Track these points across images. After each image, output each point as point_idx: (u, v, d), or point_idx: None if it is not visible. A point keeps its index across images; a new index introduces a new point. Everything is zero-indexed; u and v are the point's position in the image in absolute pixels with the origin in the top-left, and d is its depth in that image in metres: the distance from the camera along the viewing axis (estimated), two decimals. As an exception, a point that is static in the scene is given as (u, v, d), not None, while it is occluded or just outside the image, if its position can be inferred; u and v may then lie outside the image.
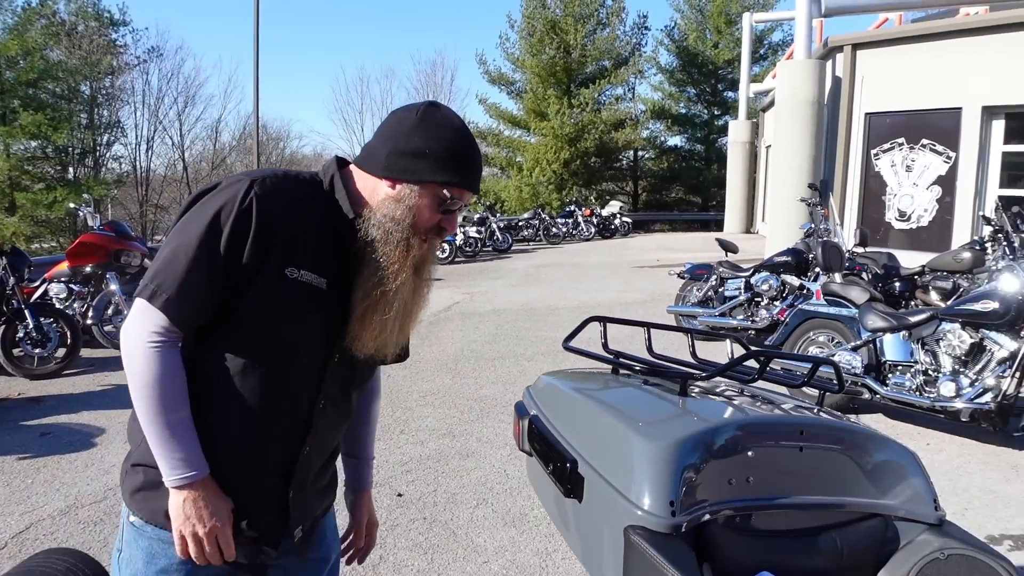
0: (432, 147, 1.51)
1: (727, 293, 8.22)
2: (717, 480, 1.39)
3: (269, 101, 74.04)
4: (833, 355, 5.58)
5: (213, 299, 1.47)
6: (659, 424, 1.47)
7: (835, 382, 1.69)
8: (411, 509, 4.12)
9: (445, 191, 1.52)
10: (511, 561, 3.57)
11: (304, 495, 1.66)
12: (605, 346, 1.89)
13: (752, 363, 1.75)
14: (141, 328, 1.44)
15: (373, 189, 1.56)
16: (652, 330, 1.94)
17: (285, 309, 1.50)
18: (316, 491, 1.71)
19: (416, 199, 1.51)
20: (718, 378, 1.79)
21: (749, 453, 1.42)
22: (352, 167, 1.62)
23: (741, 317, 7.95)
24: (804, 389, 1.93)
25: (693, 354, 2.07)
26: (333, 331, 1.57)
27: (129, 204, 33.02)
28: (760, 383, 1.89)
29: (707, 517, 1.35)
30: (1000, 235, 6.81)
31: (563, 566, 3.50)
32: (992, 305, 4.91)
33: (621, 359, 1.77)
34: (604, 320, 1.93)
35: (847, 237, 8.46)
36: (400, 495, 4.31)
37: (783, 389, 1.90)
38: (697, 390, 1.71)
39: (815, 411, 1.66)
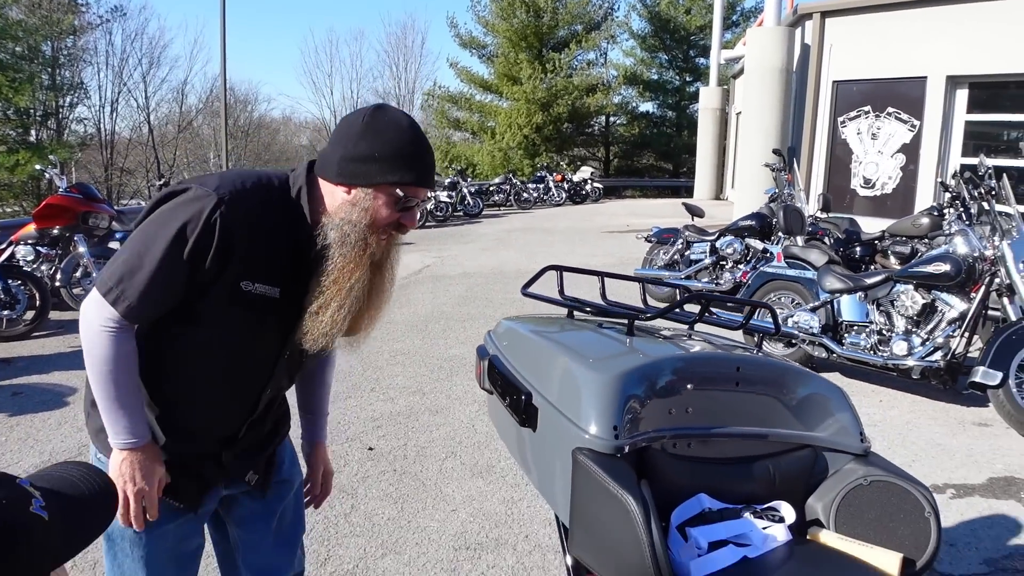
0: (381, 150, 1.56)
1: (692, 256, 8.37)
2: (658, 410, 1.50)
3: (236, 63, 72.87)
4: (792, 315, 5.76)
5: (171, 303, 1.57)
6: (607, 360, 1.58)
7: (772, 326, 1.82)
8: (381, 462, 4.24)
9: (399, 191, 1.58)
10: (478, 509, 3.71)
11: (247, 450, 1.81)
12: (561, 292, 2.00)
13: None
14: (98, 315, 1.54)
15: (332, 195, 1.62)
16: (607, 281, 2.05)
17: (236, 315, 1.61)
18: (261, 439, 1.85)
19: (371, 201, 1.57)
20: (667, 322, 1.90)
21: (688, 387, 1.54)
22: (315, 175, 1.67)
23: (706, 280, 8.11)
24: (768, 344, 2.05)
25: (644, 301, 2.19)
26: (285, 331, 1.69)
27: (94, 168, 32.44)
28: (707, 329, 2.02)
29: (648, 443, 1.47)
30: (957, 201, 7.01)
31: (527, 512, 3.65)
32: (944, 268, 5.10)
33: (575, 303, 1.89)
34: (560, 269, 2.04)
35: (810, 202, 8.63)
36: (371, 449, 4.42)
37: (728, 334, 2.03)
38: (645, 333, 1.83)
39: (753, 352, 1.78)
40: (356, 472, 4.11)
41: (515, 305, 8.28)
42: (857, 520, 1.61)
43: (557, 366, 1.59)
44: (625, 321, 1.78)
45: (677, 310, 1.73)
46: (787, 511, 1.59)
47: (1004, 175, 5.33)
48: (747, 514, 1.52)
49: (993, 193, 5.14)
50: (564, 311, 2.00)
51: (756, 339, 1.84)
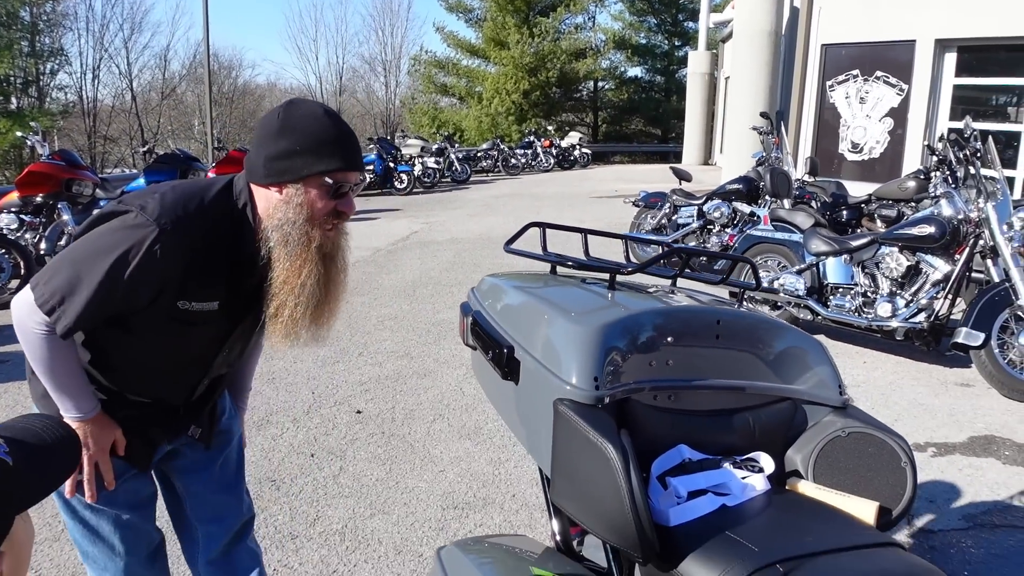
0: (302, 142, 1.56)
1: (680, 220, 8.39)
2: (639, 362, 1.52)
3: (219, 29, 71.88)
4: (778, 278, 5.79)
5: (107, 317, 1.60)
6: (588, 313, 1.59)
7: (753, 282, 1.84)
8: (370, 425, 4.27)
9: (328, 179, 1.58)
10: (466, 470, 3.74)
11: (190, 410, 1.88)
12: (544, 249, 2.01)
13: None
14: (32, 318, 1.56)
15: (266, 198, 1.61)
16: (591, 241, 2.06)
17: (173, 328, 1.65)
18: (202, 398, 1.91)
19: (303, 196, 1.57)
20: (649, 278, 1.91)
21: (669, 340, 1.55)
22: (251, 184, 1.66)
23: (693, 244, 8.13)
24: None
25: (627, 257, 2.20)
26: (224, 334, 1.75)
27: (77, 136, 32.07)
28: (690, 287, 2.03)
29: (628, 394, 1.48)
30: (944, 165, 7.03)
31: (515, 473, 3.69)
32: (928, 230, 5.12)
33: (558, 258, 1.90)
34: (543, 226, 2.04)
35: (797, 166, 8.63)
36: (359, 412, 4.45)
37: (711, 291, 2.04)
38: (627, 288, 1.84)
39: (734, 307, 1.79)
40: (344, 435, 4.13)
41: (503, 270, 8.28)
42: (835, 470, 1.63)
43: (539, 319, 1.60)
44: (607, 276, 1.79)
45: (660, 264, 1.75)
46: (766, 462, 1.61)
47: (990, 137, 5.34)
48: (727, 464, 1.54)
49: (978, 155, 5.15)
50: (547, 268, 2.01)
51: (738, 295, 1.85)
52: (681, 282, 2.00)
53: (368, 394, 4.74)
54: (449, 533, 3.19)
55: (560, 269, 1.98)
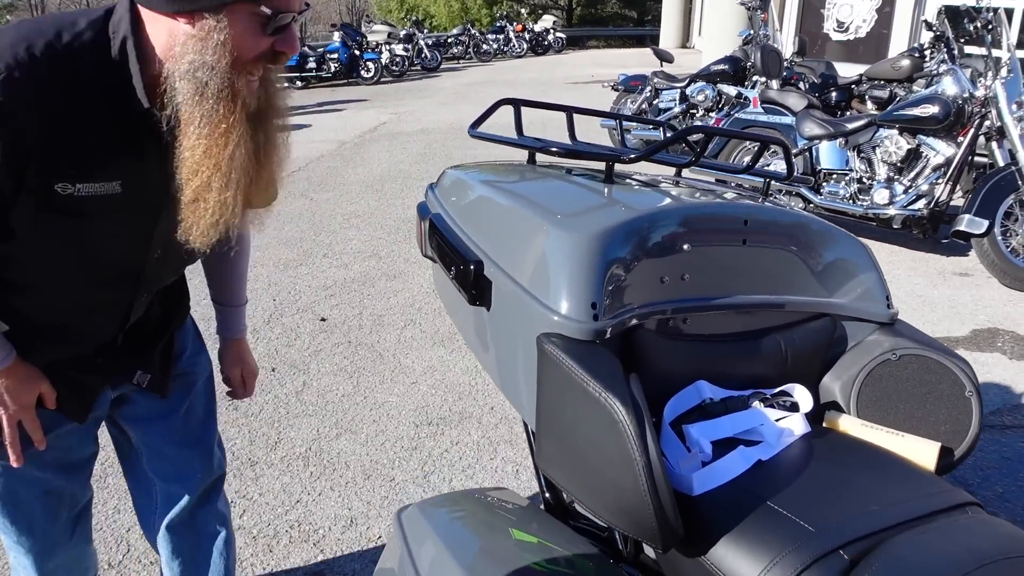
0: None
1: (662, 105, 7.94)
2: (648, 278, 1.17)
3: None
4: (768, 164, 5.44)
5: None
6: (581, 215, 1.23)
7: (783, 171, 1.49)
8: (335, 334, 3.95)
9: (262, 7, 1.10)
10: (440, 381, 3.46)
11: (134, 347, 1.49)
12: (520, 132, 1.63)
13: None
14: None
15: (169, 35, 1.12)
16: (576, 119, 1.68)
17: (64, 224, 1.20)
18: (149, 333, 1.52)
19: (227, 30, 1.09)
20: (650, 170, 1.56)
21: (685, 247, 1.21)
22: (139, 9, 1.15)
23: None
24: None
25: (622, 142, 1.83)
26: (145, 228, 1.29)
27: None
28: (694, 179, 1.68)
29: (635, 321, 1.15)
30: (941, 42, 6.61)
31: (492, 384, 3.41)
32: (932, 110, 4.76)
33: (538, 144, 1.49)
34: (517, 103, 1.65)
35: (786, 44, 8.15)
36: (323, 320, 4.13)
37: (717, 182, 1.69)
38: (626, 180, 1.48)
39: (759, 200, 1.46)
40: (308, 346, 3.82)
41: (475, 159, 7.86)
42: (883, 402, 1.34)
43: (516, 225, 1.25)
44: (601, 167, 1.42)
45: (667, 150, 1.37)
46: (802, 395, 1.31)
47: (1001, 10, 4.92)
48: (756, 403, 1.24)
49: (990, 28, 4.74)
50: (524, 157, 1.64)
51: (763, 186, 1.52)
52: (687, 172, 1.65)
53: (333, 299, 4.41)
54: (423, 452, 2.93)
55: (541, 158, 1.61)
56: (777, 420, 1.23)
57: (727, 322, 1.30)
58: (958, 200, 4.97)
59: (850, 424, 1.32)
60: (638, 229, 1.16)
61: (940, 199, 4.79)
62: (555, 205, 1.28)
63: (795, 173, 1.71)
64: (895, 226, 4.93)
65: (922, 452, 1.27)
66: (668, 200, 1.31)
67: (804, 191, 5.32)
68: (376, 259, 5.09)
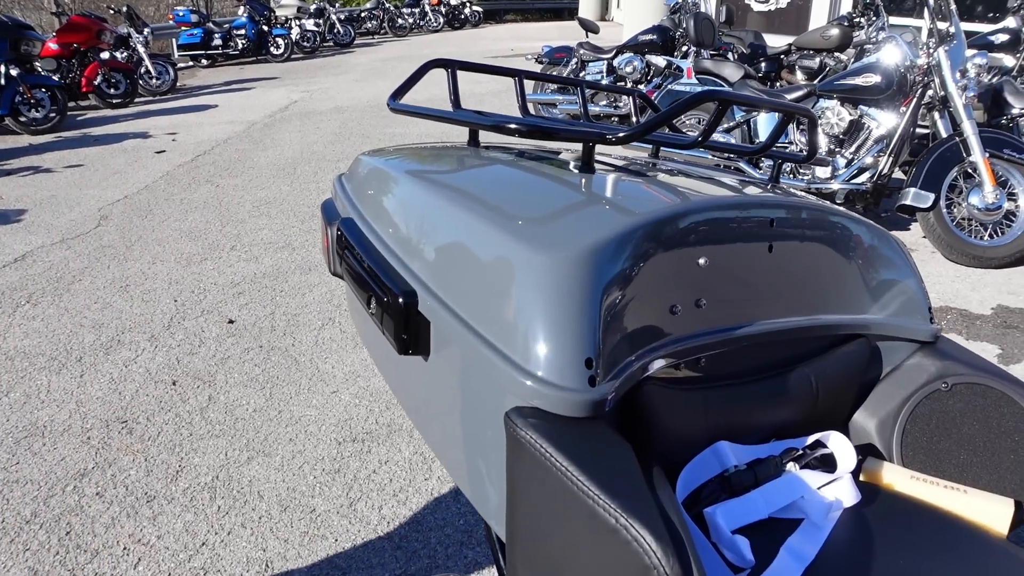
0: None
1: (588, 77, 7.62)
2: (656, 310, 0.83)
3: None
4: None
5: None
6: (555, 220, 0.87)
7: (803, 151, 1.19)
8: (245, 337, 3.53)
9: None
10: (364, 388, 3.09)
11: None
12: (457, 103, 1.26)
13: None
14: None
15: None
16: (524, 83, 1.33)
17: None
18: None
19: None
20: (617, 152, 1.22)
21: (701, 261, 0.87)
22: None
23: (604, 103, 7.42)
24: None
25: (585, 115, 1.49)
26: None
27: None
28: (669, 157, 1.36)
29: (644, 374, 0.81)
30: (870, 10, 6.48)
31: (425, 392, 3.06)
32: (874, 79, 4.56)
33: (482, 120, 1.10)
34: (452, 65, 1.28)
35: (713, 13, 7.92)
36: (231, 322, 3.70)
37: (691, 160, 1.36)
38: (600, 166, 1.14)
39: (767, 187, 1.15)
40: (214, 353, 3.39)
41: (396, 141, 7.42)
42: (935, 446, 1.05)
43: (463, 238, 0.88)
44: (569, 150, 1.07)
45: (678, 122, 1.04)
46: (840, 446, 1.00)
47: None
48: (789, 464, 0.93)
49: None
50: (463, 137, 1.27)
51: (773, 169, 1.21)
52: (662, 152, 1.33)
53: (242, 298, 3.97)
54: (348, 475, 2.57)
55: (484, 137, 1.25)
56: (820, 487, 0.92)
57: (746, 356, 0.98)
58: (898, 173, 4.82)
59: (896, 477, 1.03)
60: (641, 240, 0.81)
61: (883, 172, 4.60)
62: (516, 206, 0.92)
63: (817, 153, 1.34)
64: (838, 201, 4.73)
65: (992, 512, 0.98)
66: (674, 195, 0.96)
67: (743, 165, 5.09)
68: (289, 250, 4.66)
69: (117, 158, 7.16)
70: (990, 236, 4.33)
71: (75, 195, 5.95)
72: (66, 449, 2.74)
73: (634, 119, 1.56)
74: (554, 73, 7.98)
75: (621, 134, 0.93)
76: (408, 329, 0.86)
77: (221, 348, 3.44)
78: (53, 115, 8.47)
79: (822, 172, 4.76)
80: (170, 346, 3.46)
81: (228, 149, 7.41)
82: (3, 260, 4.56)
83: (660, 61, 7.01)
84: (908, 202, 4.32)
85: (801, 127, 4.98)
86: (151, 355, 3.39)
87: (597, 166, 1.06)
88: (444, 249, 0.88)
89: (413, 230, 0.96)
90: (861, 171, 4.66)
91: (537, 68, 8.29)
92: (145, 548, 2.26)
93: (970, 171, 4.33)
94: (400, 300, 0.86)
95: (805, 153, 1.23)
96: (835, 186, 4.68)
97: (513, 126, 0.97)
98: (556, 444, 0.66)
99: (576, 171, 1.03)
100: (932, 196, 4.26)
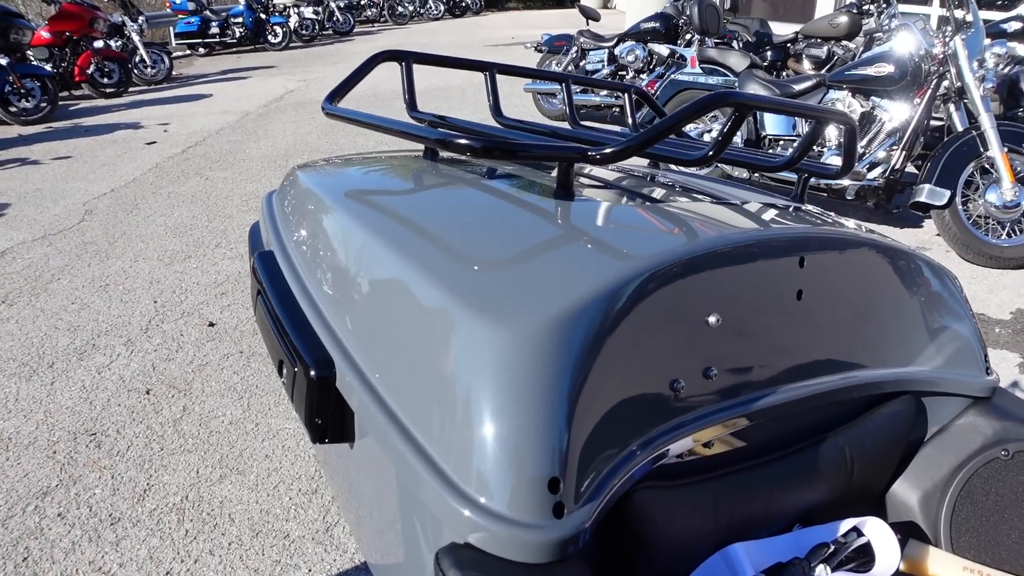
0: None
1: (589, 67, 7.42)
2: (649, 391, 0.63)
3: None
4: (709, 131, 4.99)
5: None
6: (515, 268, 0.66)
7: (837, 165, 1.01)
8: (225, 342, 3.36)
9: None
10: (348, 401, 2.92)
11: None
12: (412, 104, 1.07)
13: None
14: None
15: None
16: (498, 79, 1.14)
17: None
18: None
19: None
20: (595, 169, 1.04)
21: (711, 320, 0.68)
22: None
23: (604, 93, 7.21)
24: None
25: (573, 118, 1.30)
26: None
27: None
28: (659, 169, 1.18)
29: (633, 484, 0.62)
30: (879, -4, 6.28)
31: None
32: (887, 69, 4.36)
33: (444, 126, 0.91)
34: (407, 58, 1.09)
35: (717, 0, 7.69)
36: (212, 325, 3.53)
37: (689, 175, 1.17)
38: (584, 184, 0.94)
39: (792, 211, 0.96)
40: (191, 359, 3.22)
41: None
42: (993, 529, 0.87)
43: (394, 290, 0.67)
44: (536, 166, 0.88)
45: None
46: (880, 535, 0.82)
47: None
48: (819, 566, 0.75)
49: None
50: (417, 146, 1.08)
51: (798, 185, 1.03)
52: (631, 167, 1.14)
53: (225, 299, 3.80)
54: (325, 496, 2.40)
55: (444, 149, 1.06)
56: (858, 592, 0.74)
57: (766, 428, 0.79)
58: (911, 168, 4.62)
59: (945, 567, 0.85)
60: (632, 299, 0.61)
61: (896, 166, 4.41)
62: (469, 246, 0.71)
63: (853, 166, 1.11)
64: (848, 197, 4.54)
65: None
66: (676, 228, 0.76)
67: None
68: (277, 248, 4.48)
69: (107, 150, 6.98)
70: (1008, 235, 4.14)
71: (61, 188, 5.77)
72: (30, 464, 2.57)
73: (630, 121, 1.37)
74: (553, 62, 7.78)
75: (608, 150, 0.74)
76: (321, 412, 0.67)
77: (199, 354, 3.26)
78: (44, 105, 8.28)
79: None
80: (146, 351, 3.29)
81: (220, 140, 7.22)
82: (-21, 258, 4.39)
83: (663, 49, 6.79)
84: (922, 199, 4.13)
85: (811, 119, 4.78)
86: (126, 361, 3.21)
87: (578, 188, 0.86)
88: (373, 306, 0.68)
89: (340, 276, 0.75)
90: (873, 166, 4.46)
91: (536, 57, 8.09)
92: (105, 578, 2.10)
93: (987, 166, 4.13)
94: (312, 373, 0.67)
95: (839, 167, 1.04)
96: (846, 182, 4.48)
97: (464, 142, 0.75)
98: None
99: (546, 195, 0.83)
100: (947, 192, 4.07)
